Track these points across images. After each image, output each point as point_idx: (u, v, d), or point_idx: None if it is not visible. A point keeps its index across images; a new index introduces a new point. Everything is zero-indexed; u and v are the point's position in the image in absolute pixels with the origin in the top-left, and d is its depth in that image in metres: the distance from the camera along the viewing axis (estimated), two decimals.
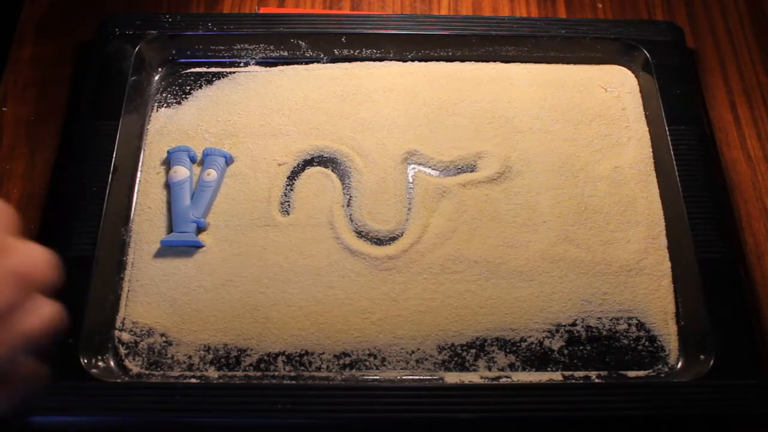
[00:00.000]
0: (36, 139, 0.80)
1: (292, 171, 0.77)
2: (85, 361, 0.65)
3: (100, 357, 0.67)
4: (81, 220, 0.71)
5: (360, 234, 0.73)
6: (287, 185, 0.76)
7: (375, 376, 0.67)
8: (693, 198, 0.74)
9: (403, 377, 0.67)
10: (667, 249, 0.74)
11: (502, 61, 0.85)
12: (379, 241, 0.73)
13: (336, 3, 0.91)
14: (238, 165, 0.77)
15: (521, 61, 0.85)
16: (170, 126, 0.79)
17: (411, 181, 0.76)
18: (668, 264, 0.73)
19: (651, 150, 0.79)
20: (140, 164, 0.77)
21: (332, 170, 0.77)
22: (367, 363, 0.68)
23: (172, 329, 0.69)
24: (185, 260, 0.72)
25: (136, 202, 0.75)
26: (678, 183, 0.75)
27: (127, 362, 0.67)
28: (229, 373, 0.67)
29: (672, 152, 0.77)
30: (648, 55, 0.83)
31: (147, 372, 0.67)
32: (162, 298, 0.70)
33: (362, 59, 0.84)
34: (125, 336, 0.68)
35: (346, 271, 0.71)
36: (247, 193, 0.75)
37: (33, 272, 0.49)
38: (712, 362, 0.66)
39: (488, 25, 0.85)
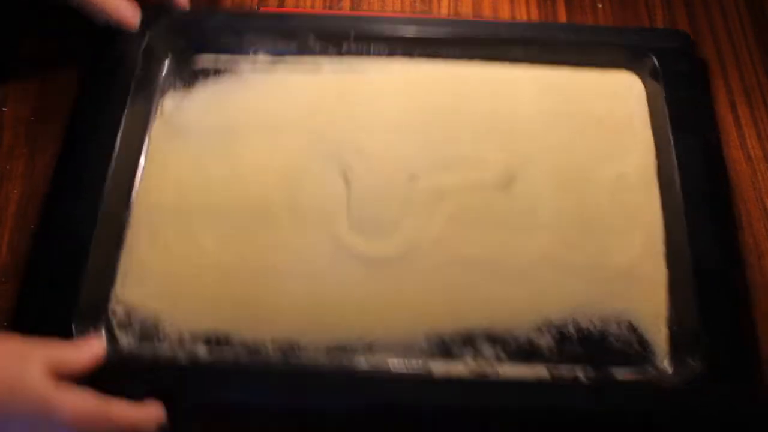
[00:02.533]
0: (36, 139, 0.81)
1: (292, 170, 0.77)
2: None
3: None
4: (81, 220, 0.72)
5: (358, 234, 0.74)
6: (287, 184, 0.76)
7: (365, 365, 0.68)
8: (692, 205, 0.74)
9: (393, 365, 0.67)
10: (663, 255, 0.74)
11: (508, 64, 0.84)
12: (377, 242, 0.73)
13: (336, 3, 0.92)
14: (238, 163, 0.77)
15: (526, 65, 0.84)
16: (172, 123, 0.80)
17: (411, 181, 0.76)
18: (664, 270, 0.73)
19: (655, 157, 0.79)
20: (143, 160, 0.77)
21: (332, 170, 0.77)
22: (361, 356, 0.68)
23: (166, 309, 0.70)
24: (186, 260, 0.72)
25: (137, 201, 0.75)
26: (680, 192, 0.74)
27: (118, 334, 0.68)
28: (221, 357, 0.67)
29: (676, 161, 0.76)
30: (656, 62, 0.82)
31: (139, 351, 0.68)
32: (162, 298, 0.71)
33: (363, 59, 0.84)
34: (119, 310, 0.70)
35: (344, 271, 0.72)
36: (247, 191, 0.76)
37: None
38: (703, 366, 0.66)
39: (493, 29, 0.85)
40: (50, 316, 0.67)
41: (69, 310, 0.67)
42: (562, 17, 0.91)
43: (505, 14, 0.91)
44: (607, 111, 0.82)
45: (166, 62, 0.84)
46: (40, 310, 0.68)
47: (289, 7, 0.91)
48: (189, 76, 0.83)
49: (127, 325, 0.69)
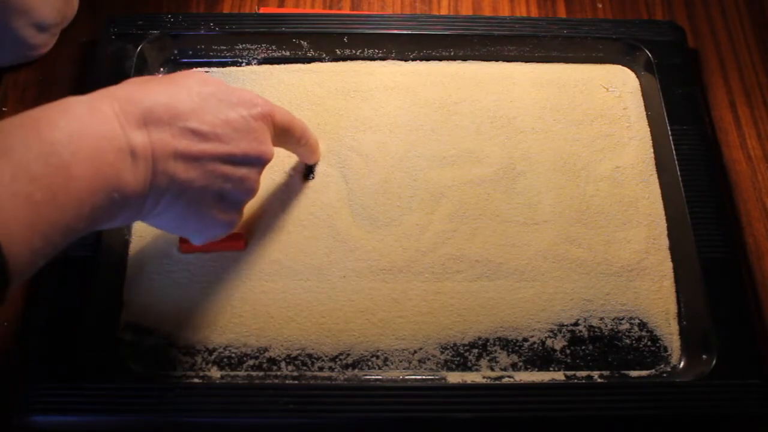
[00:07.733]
0: None
1: (293, 169, 0.77)
2: (87, 361, 0.65)
3: (101, 357, 0.67)
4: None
5: (360, 233, 0.73)
6: (287, 184, 0.76)
7: (377, 376, 0.67)
8: (695, 198, 0.74)
9: (406, 377, 0.67)
10: (668, 249, 0.74)
11: (504, 61, 0.85)
12: (379, 241, 0.73)
13: (336, 3, 0.91)
14: None
15: (523, 61, 0.85)
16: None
17: (411, 180, 0.76)
18: (670, 264, 0.73)
19: (652, 150, 0.79)
20: None
21: (333, 169, 0.77)
22: (370, 363, 0.68)
23: (174, 329, 0.69)
24: (187, 259, 0.72)
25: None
26: (680, 183, 0.75)
27: (128, 363, 0.67)
28: (231, 373, 0.67)
29: (674, 152, 0.77)
30: (650, 55, 0.83)
31: (149, 372, 0.67)
32: (163, 299, 0.70)
33: (364, 59, 0.84)
34: (127, 336, 0.68)
35: (346, 271, 0.71)
36: None
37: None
38: (714, 362, 0.66)
39: (490, 25, 0.85)
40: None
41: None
42: (562, 16, 0.91)
43: (505, 14, 0.91)
44: (603, 105, 0.82)
45: (164, 65, 0.83)
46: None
47: (289, 7, 0.91)
48: None
49: (136, 344, 0.68)
